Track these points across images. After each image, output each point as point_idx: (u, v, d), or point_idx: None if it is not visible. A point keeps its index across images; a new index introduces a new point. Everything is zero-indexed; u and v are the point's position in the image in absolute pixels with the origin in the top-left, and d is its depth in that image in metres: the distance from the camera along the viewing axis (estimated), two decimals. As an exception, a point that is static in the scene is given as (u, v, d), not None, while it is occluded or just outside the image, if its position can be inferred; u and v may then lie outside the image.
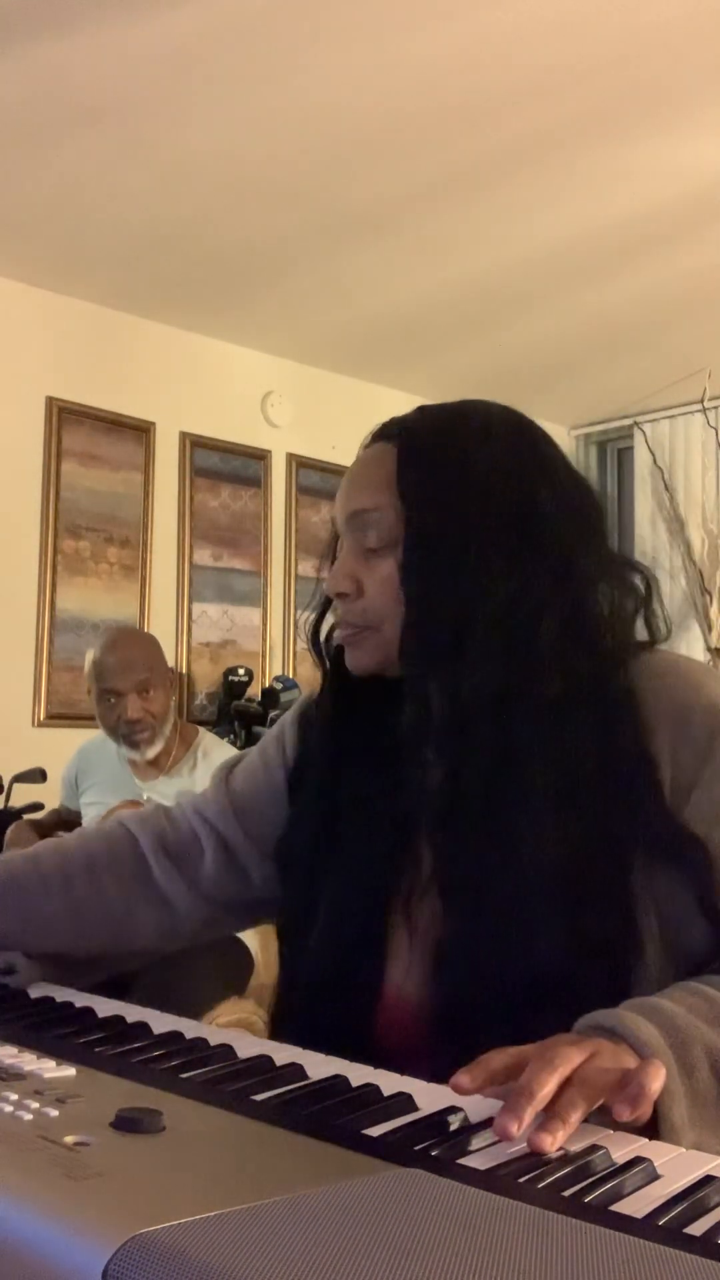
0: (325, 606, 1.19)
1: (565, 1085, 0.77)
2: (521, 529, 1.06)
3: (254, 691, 4.92)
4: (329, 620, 1.19)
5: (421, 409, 1.17)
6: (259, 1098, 0.81)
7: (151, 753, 2.89)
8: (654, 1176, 0.69)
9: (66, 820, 3.10)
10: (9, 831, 3.08)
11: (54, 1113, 0.70)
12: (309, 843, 1.16)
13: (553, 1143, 0.73)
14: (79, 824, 3.04)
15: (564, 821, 0.99)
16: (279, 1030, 1.13)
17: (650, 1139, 0.77)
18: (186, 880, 1.25)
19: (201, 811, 1.28)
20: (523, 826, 0.99)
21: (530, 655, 1.03)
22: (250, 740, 4.42)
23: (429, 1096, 0.82)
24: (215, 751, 2.99)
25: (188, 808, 1.30)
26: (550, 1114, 0.75)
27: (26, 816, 3.23)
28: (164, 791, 2.91)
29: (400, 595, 1.07)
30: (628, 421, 5.89)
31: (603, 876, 0.98)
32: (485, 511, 1.06)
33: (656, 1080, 0.77)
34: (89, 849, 1.28)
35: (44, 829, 3.07)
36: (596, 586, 1.08)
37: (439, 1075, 0.91)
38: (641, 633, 1.12)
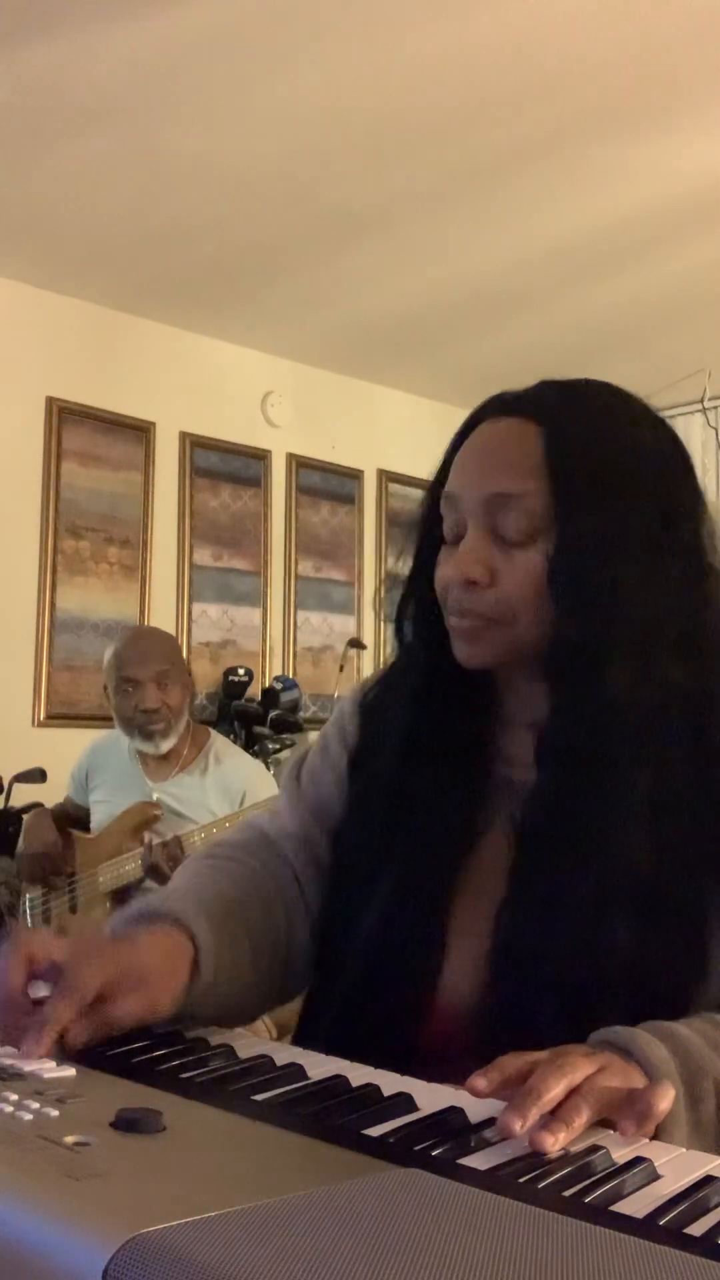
0: (412, 588, 1.11)
1: (573, 1093, 0.77)
2: (664, 526, 1.00)
3: (254, 691, 4.92)
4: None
5: (547, 384, 1.06)
6: (259, 1098, 0.81)
7: (165, 746, 2.90)
8: (654, 1177, 0.69)
9: (72, 814, 3.10)
10: (27, 819, 3.09)
11: (54, 1113, 0.70)
12: (368, 837, 1.09)
13: (554, 1143, 0.73)
14: (85, 819, 3.04)
15: (652, 835, 0.96)
16: (309, 1030, 1.08)
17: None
18: (301, 909, 1.15)
19: (285, 828, 1.19)
20: (616, 836, 0.95)
21: (652, 659, 0.97)
22: (250, 740, 4.42)
23: (429, 1096, 0.81)
24: (227, 757, 2.99)
25: (282, 834, 1.19)
26: (554, 1116, 0.75)
27: (43, 807, 3.23)
28: (173, 792, 2.91)
29: (544, 590, 0.99)
30: (628, 421, 5.89)
31: (679, 895, 0.95)
32: (637, 504, 0.99)
33: (665, 1100, 0.77)
34: (269, 871, 1.16)
35: (59, 821, 3.07)
36: (713, 597, 1.02)
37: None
38: None
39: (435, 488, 1.08)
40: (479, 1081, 0.77)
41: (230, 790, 2.88)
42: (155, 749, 2.90)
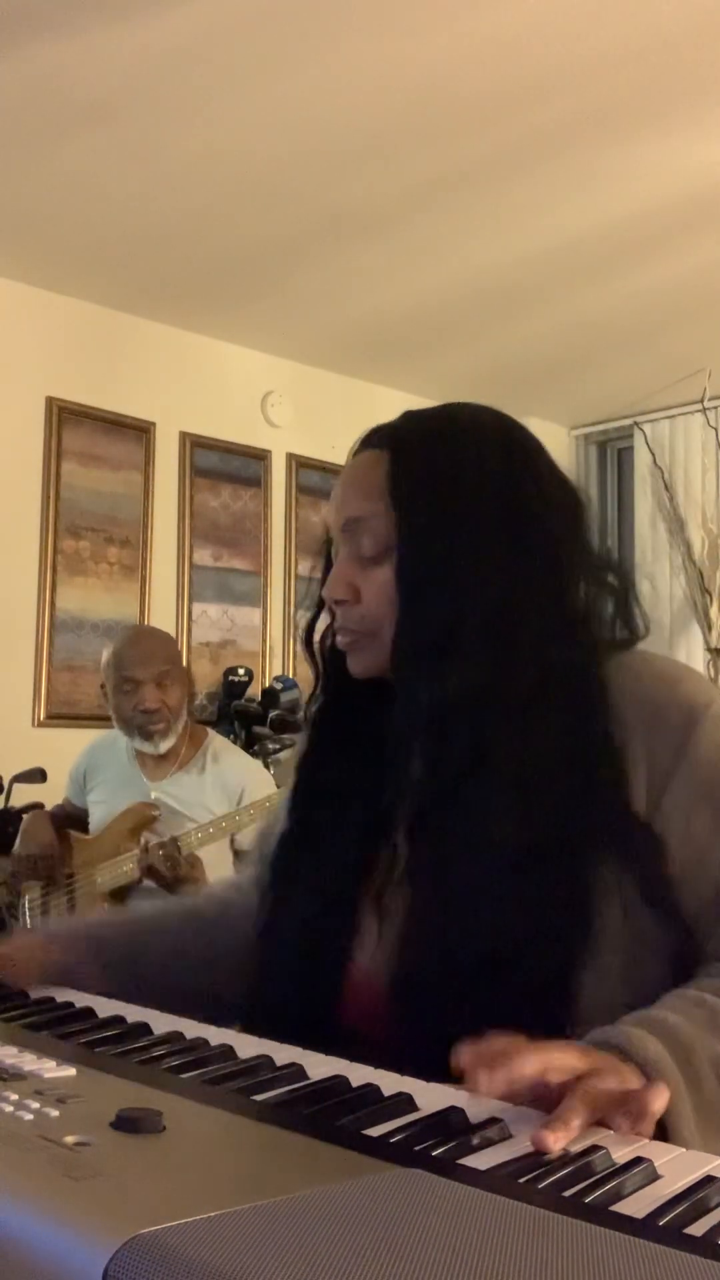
0: (319, 609, 1.21)
1: (569, 1094, 0.78)
2: (511, 531, 1.08)
3: (254, 691, 4.92)
4: (321, 621, 1.21)
5: (408, 414, 1.19)
6: (259, 1098, 0.81)
7: (165, 746, 2.90)
8: (654, 1177, 0.70)
9: (71, 814, 3.10)
10: (25, 820, 3.09)
11: (54, 1113, 0.70)
12: (288, 833, 1.20)
13: (555, 1141, 0.73)
14: (84, 819, 3.04)
15: (527, 813, 1.01)
16: (251, 1016, 1.15)
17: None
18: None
19: (251, 876, 1.33)
20: (487, 817, 1.02)
21: (512, 653, 1.05)
22: (250, 740, 4.42)
23: (429, 1096, 0.82)
24: (225, 756, 2.99)
25: (247, 875, 1.36)
26: (554, 1116, 0.76)
27: (41, 809, 3.23)
28: (172, 791, 2.91)
29: (396, 601, 1.09)
30: (628, 421, 5.89)
31: (559, 866, 1.00)
32: (476, 516, 1.08)
33: (659, 1100, 0.79)
34: (206, 903, 1.39)
35: (57, 821, 3.07)
36: (579, 584, 1.11)
37: (396, 1056, 0.94)
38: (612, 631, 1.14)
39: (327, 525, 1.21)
40: (483, 1082, 0.78)
41: (229, 789, 2.88)
42: (155, 749, 2.91)
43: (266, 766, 3.37)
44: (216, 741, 3.05)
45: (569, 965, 0.97)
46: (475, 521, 1.08)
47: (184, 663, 3.07)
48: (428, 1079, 0.84)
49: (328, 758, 1.19)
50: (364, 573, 1.12)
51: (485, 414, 1.17)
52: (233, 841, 2.87)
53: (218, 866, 2.74)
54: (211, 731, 3.14)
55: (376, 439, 1.17)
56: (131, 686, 2.86)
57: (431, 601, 1.07)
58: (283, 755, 4.11)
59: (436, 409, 1.19)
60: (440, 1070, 0.82)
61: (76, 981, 1.19)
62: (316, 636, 1.22)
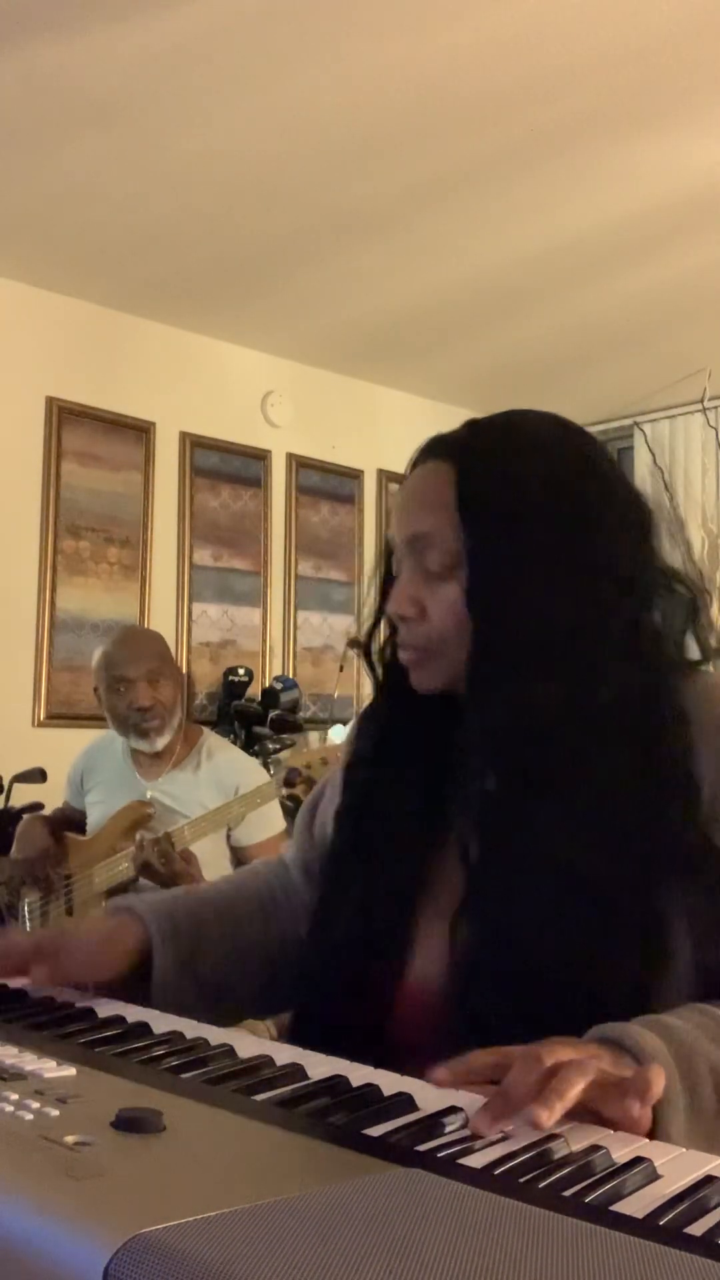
0: (378, 619, 1.19)
1: (563, 1067, 0.78)
2: (582, 544, 1.05)
3: (254, 691, 4.92)
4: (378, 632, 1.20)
5: (471, 424, 1.15)
6: (259, 1098, 0.81)
7: (161, 743, 2.90)
8: (654, 1177, 0.69)
9: (71, 817, 3.10)
10: (20, 825, 3.09)
11: (55, 1113, 0.70)
12: (343, 843, 1.18)
13: (549, 1117, 0.73)
14: (83, 822, 3.04)
15: (599, 835, 0.99)
16: (298, 1028, 1.14)
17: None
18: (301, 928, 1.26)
19: (292, 855, 1.32)
20: (559, 837, 0.99)
21: (588, 670, 1.03)
22: (250, 740, 4.42)
23: (429, 1096, 0.82)
24: (220, 753, 3.00)
25: (290, 860, 1.33)
26: (548, 1090, 0.75)
27: (37, 813, 3.23)
28: (167, 789, 2.91)
29: (465, 618, 1.07)
30: (628, 421, 5.89)
31: (632, 891, 0.98)
32: (547, 529, 1.05)
33: (658, 1081, 0.77)
34: (268, 883, 1.32)
35: (53, 825, 3.07)
36: (652, 601, 1.08)
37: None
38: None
39: (388, 537, 1.18)
40: (441, 1073, 0.78)
41: (224, 785, 2.88)
42: (151, 746, 2.91)
43: (266, 766, 3.37)
44: (211, 739, 3.05)
45: (640, 993, 0.95)
46: (545, 535, 1.05)
47: (175, 660, 3.07)
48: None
49: (383, 769, 1.17)
50: (430, 589, 1.09)
51: (551, 423, 1.14)
52: (229, 838, 2.87)
53: (214, 864, 2.74)
54: (206, 729, 3.14)
55: (440, 450, 1.13)
56: (124, 686, 2.87)
57: (504, 620, 1.04)
58: (283, 755, 4.11)
59: (500, 417, 1.15)
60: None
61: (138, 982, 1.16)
62: (375, 645, 1.20)
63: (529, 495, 1.06)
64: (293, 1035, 1.13)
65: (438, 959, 1.06)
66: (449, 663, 1.09)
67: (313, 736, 5.04)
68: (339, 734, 3.10)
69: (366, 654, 1.20)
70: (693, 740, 1.02)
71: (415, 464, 1.15)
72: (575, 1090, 0.76)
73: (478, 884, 1.05)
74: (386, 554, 1.18)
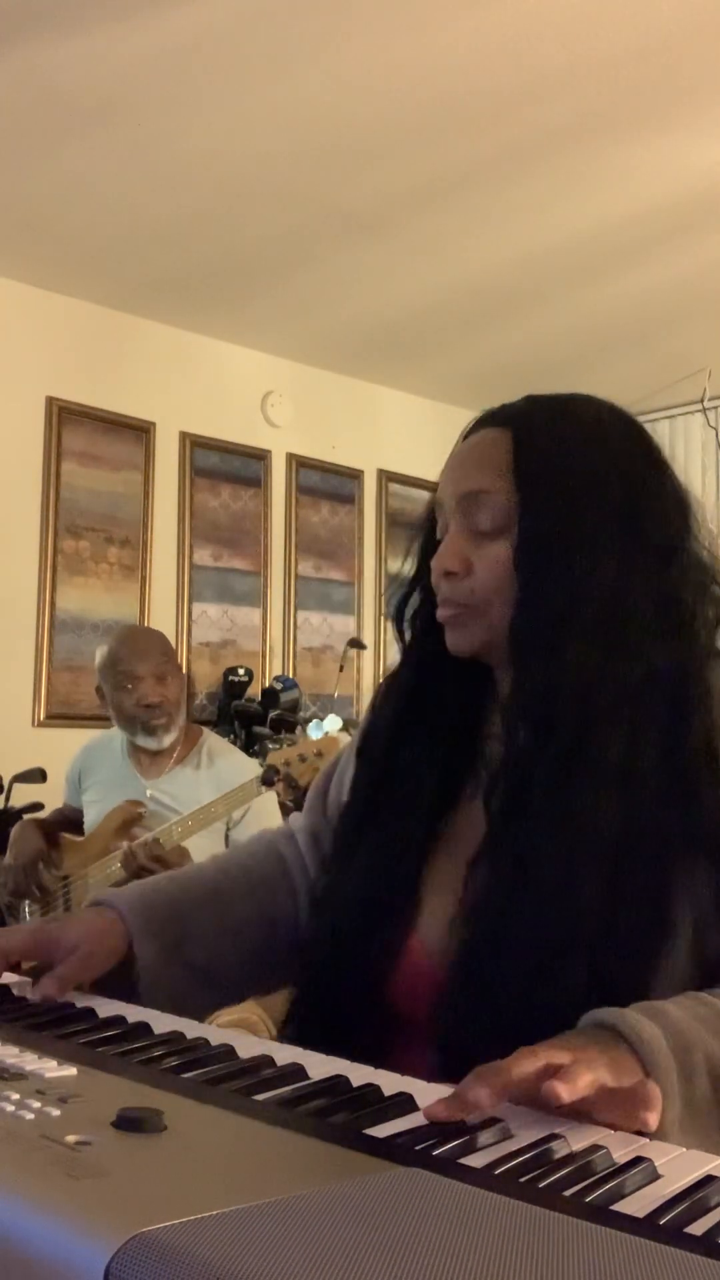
0: (413, 586, 1.20)
1: (572, 1061, 0.78)
2: (629, 520, 1.08)
3: (254, 691, 4.92)
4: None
5: (531, 398, 1.17)
6: (260, 1098, 0.81)
7: (168, 740, 2.91)
8: (654, 1176, 0.69)
9: (70, 818, 3.10)
10: (14, 830, 3.09)
11: (55, 1112, 0.70)
12: (357, 804, 1.19)
13: (568, 1092, 0.74)
14: (82, 822, 3.04)
15: (622, 804, 1.01)
16: (302, 993, 1.16)
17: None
18: (296, 901, 1.29)
19: (300, 823, 1.33)
20: (584, 802, 1.01)
21: (623, 642, 1.05)
22: (250, 740, 4.42)
23: (430, 1096, 0.81)
24: (220, 756, 3.00)
25: (296, 827, 1.34)
26: (562, 1072, 0.76)
27: (30, 816, 3.23)
28: (167, 789, 2.91)
29: (511, 578, 1.08)
30: (628, 421, 5.89)
31: (645, 861, 0.99)
32: (598, 500, 1.07)
33: (655, 1100, 0.78)
34: (257, 859, 1.32)
35: (49, 827, 3.07)
36: (690, 585, 1.10)
37: (444, 1039, 0.95)
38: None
39: (432, 498, 1.19)
40: (436, 1108, 0.77)
41: (224, 787, 2.88)
42: (158, 744, 2.91)
43: (265, 766, 3.37)
44: (211, 739, 3.06)
45: (640, 964, 0.96)
46: (596, 507, 1.07)
47: (178, 658, 3.07)
48: (469, 1060, 0.82)
49: (402, 732, 1.18)
50: (478, 547, 1.11)
51: (608, 405, 1.17)
52: (227, 840, 2.87)
53: None
54: (206, 729, 3.14)
55: (497, 418, 1.15)
56: (132, 683, 2.87)
57: (552, 581, 1.06)
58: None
59: (561, 396, 1.17)
60: (481, 1060, 0.80)
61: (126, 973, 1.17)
62: (408, 613, 1.21)
63: (583, 466, 1.09)
64: (296, 999, 1.15)
65: (443, 920, 1.07)
66: (487, 623, 1.10)
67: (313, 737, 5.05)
68: (316, 731, 3.09)
69: (398, 619, 1.21)
70: (718, 726, 1.04)
71: (470, 432, 1.17)
72: (586, 1080, 0.76)
73: (496, 836, 1.06)
74: (429, 517, 1.19)
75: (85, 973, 1.13)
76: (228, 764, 2.96)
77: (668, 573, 1.08)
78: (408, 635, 1.21)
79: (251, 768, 3.03)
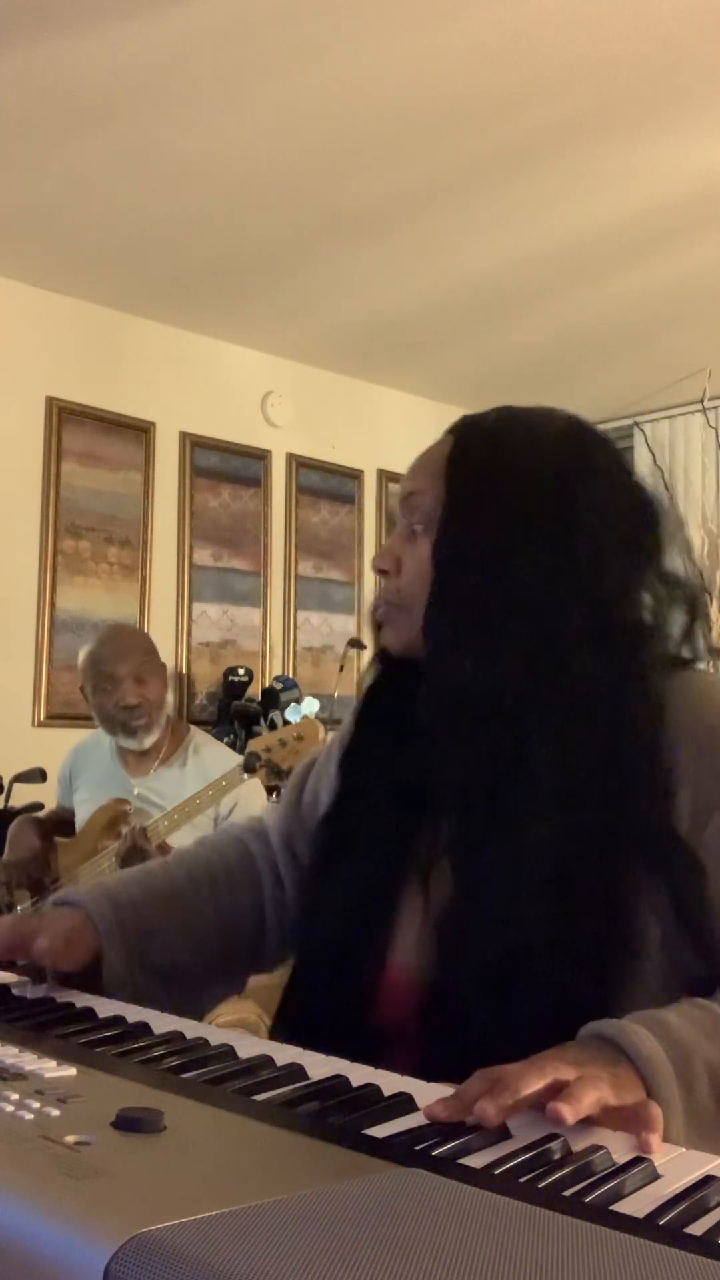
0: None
1: (576, 1080, 0.78)
2: (555, 530, 1.06)
3: (254, 691, 4.91)
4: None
5: (498, 408, 1.18)
6: (259, 1098, 0.81)
7: (149, 741, 2.91)
8: (654, 1176, 0.69)
9: (65, 818, 3.11)
10: (11, 827, 3.09)
11: (55, 1112, 0.70)
12: (330, 816, 1.20)
13: (571, 1114, 0.74)
14: (74, 822, 3.05)
15: (563, 818, 1.00)
16: (286, 1006, 1.16)
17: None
18: (275, 897, 1.29)
19: (273, 823, 1.33)
20: (523, 818, 1.00)
21: (548, 655, 1.03)
22: (250, 740, 4.41)
23: (429, 1096, 0.81)
24: (206, 749, 3.00)
25: (271, 826, 1.34)
26: (566, 1092, 0.76)
27: (26, 814, 3.23)
28: (154, 787, 2.91)
29: (428, 579, 1.10)
30: (627, 421, 5.89)
31: (596, 876, 0.99)
32: (521, 508, 1.07)
33: (657, 1121, 0.78)
34: (222, 856, 1.33)
35: (45, 826, 3.07)
36: (631, 597, 1.08)
37: (426, 1052, 0.95)
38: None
39: None
40: (435, 1108, 0.77)
41: (210, 779, 2.87)
42: (139, 744, 2.91)
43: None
44: (199, 737, 3.06)
45: (603, 976, 0.96)
46: (519, 513, 1.07)
47: (161, 657, 3.06)
48: (452, 1079, 0.83)
49: (369, 740, 1.19)
50: (409, 547, 1.13)
51: (560, 417, 1.16)
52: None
53: None
54: (194, 728, 3.15)
55: (452, 427, 1.18)
56: (110, 684, 2.87)
57: (463, 579, 1.06)
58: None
59: (520, 408, 1.18)
60: (464, 1072, 0.81)
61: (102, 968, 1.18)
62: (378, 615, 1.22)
63: (513, 471, 1.09)
64: (279, 1018, 1.16)
65: (416, 942, 1.08)
66: (412, 621, 1.11)
67: (313, 736, 5.05)
68: (295, 715, 3.09)
69: (373, 623, 1.22)
70: (670, 735, 1.02)
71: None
72: (591, 1099, 0.76)
73: (451, 862, 1.06)
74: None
75: (65, 961, 1.15)
76: (212, 757, 2.96)
77: (601, 584, 1.06)
78: (376, 639, 1.22)
79: (235, 759, 3.03)
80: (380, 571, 1.15)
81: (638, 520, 1.12)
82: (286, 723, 2.99)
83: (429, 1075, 0.85)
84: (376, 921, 1.10)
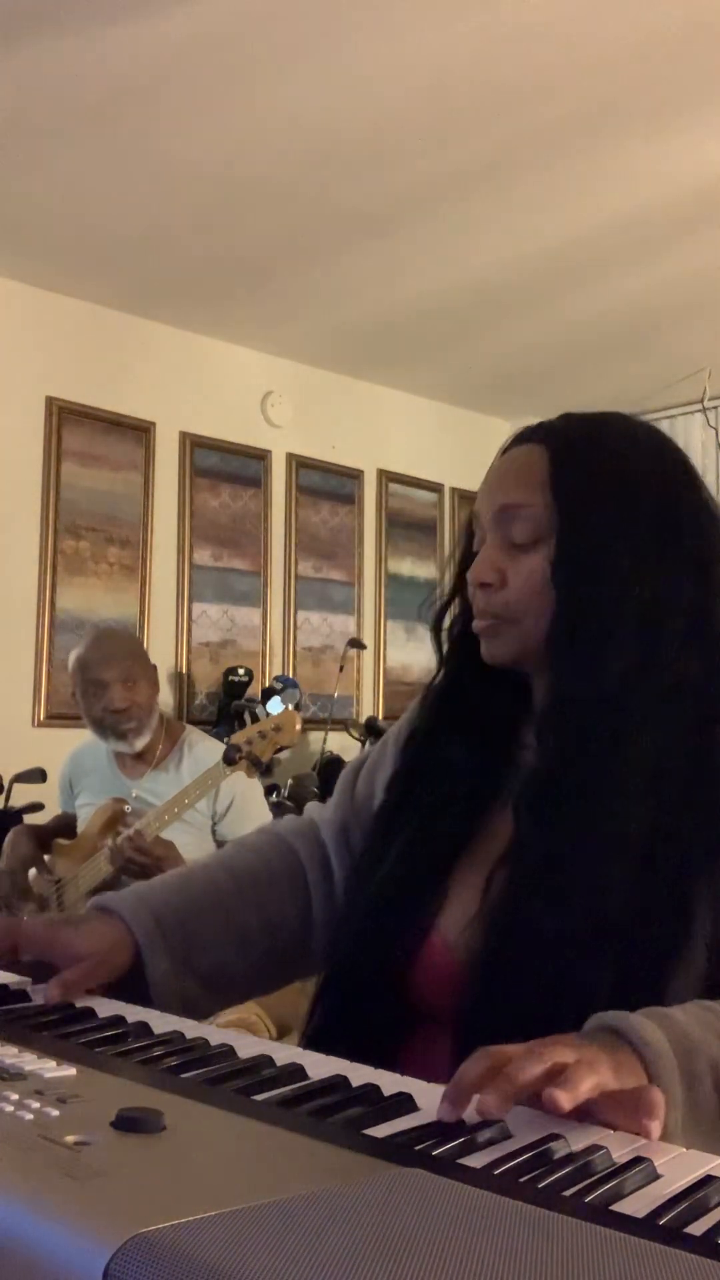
0: (452, 596, 1.23)
1: (575, 1063, 0.78)
2: (665, 533, 1.10)
3: (254, 691, 4.92)
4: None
5: (566, 415, 1.20)
6: (259, 1098, 0.81)
7: (140, 744, 2.90)
8: (654, 1176, 0.69)
9: (67, 824, 3.10)
10: (8, 837, 3.08)
11: (55, 1112, 0.70)
12: (390, 803, 1.21)
13: (568, 1100, 0.74)
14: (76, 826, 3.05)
15: (650, 810, 1.03)
16: (325, 985, 1.17)
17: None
18: (324, 893, 1.29)
19: (326, 815, 1.34)
20: (613, 808, 1.03)
21: (656, 654, 1.07)
22: (250, 740, 4.41)
23: (429, 1096, 0.81)
24: (200, 746, 2.99)
25: (322, 819, 1.34)
26: (563, 1077, 0.76)
27: (26, 821, 3.23)
28: (151, 788, 2.91)
29: (546, 590, 1.11)
30: (627, 421, 5.89)
31: (669, 863, 1.01)
32: (634, 513, 1.10)
33: (658, 1105, 0.78)
34: (262, 855, 1.32)
35: (45, 833, 3.07)
36: (717, 603, 1.12)
37: (465, 1031, 0.96)
38: None
39: (471, 511, 1.22)
40: (444, 1109, 0.77)
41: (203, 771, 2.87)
42: (130, 747, 2.91)
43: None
44: (193, 735, 3.05)
45: (662, 968, 0.98)
46: (633, 519, 1.10)
47: (149, 659, 3.05)
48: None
49: (439, 736, 1.21)
50: (513, 559, 1.13)
51: (643, 424, 1.19)
52: (214, 833, 2.87)
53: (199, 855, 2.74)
54: (188, 726, 3.14)
55: (533, 435, 1.18)
56: (98, 689, 2.86)
57: (589, 593, 1.09)
58: (282, 755, 4.10)
59: (595, 414, 1.20)
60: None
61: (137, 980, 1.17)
62: (446, 622, 1.23)
63: (619, 480, 1.11)
64: (320, 988, 1.17)
65: (464, 919, 1.09)
66: (521, 633, 1.13)
67: (313, 736, 5.05)
68: (276, 706, 3.10)
69: (436, 629, 1.24)
70: None
71: (507, 449, 1.20)
72: (589, 1085, 0.76)
73: (524, 839, 1.08)
74: (467, 532, 1.22)
75: (91, 980, 1.14)
76: (206, 752, 2.96)
77: (701, 586, 1.10)
78: (445, 645, 1.24)
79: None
80: (484, 585, 1.14)
81: (716, 523, 1.16)
82: (267, 715, 3.00)
83: (463, 1055, 0.84)
84: (424, 897, 1.12)
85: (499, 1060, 0.79)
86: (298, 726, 2.69)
